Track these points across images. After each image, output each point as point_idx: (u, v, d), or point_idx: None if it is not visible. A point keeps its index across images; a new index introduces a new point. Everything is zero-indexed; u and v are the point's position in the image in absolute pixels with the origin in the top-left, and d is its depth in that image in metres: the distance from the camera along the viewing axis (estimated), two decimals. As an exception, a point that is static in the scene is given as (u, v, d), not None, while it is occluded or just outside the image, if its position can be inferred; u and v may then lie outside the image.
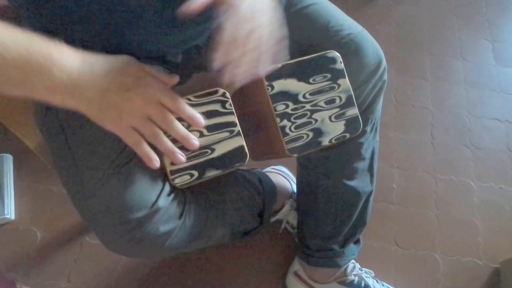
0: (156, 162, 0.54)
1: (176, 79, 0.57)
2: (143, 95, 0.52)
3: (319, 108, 0.63)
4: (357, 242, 0.98)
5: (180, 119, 0.56)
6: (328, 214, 0.90)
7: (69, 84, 0.48)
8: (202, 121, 0.57)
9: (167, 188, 0.62)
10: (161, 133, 0.54)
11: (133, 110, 0.51)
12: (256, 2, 0.54)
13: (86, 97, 0.50)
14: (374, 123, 0.80)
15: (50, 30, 0.63)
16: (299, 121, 0.62)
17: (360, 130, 0.66)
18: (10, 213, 1.09)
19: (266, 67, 0.57)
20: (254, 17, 0.53)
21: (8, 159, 1.16)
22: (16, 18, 0.65)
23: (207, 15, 0.65)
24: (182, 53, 0.71)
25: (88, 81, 0.49)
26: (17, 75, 0.47)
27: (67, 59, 0.48)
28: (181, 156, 0.56)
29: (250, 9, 0.53)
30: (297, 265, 1.01)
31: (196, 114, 0.56)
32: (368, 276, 0.99)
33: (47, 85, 0.48)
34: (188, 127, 0.58)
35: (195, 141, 0.56)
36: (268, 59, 0.56)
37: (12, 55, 0.45)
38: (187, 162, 0.59)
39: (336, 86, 0.64)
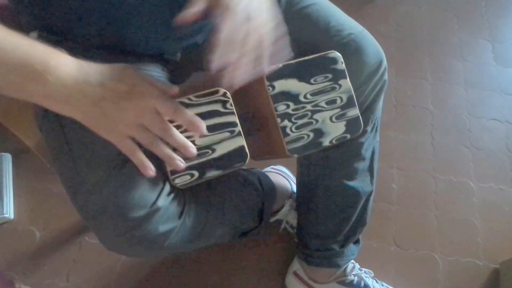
0: (151, 170, 0.54)
1: (175, 90, 0.56)
2: (137, 103, 0.50)
3: (320, 108, 0.63)
4: (356, 242, 0.98)
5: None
6: (328, 214, 0.90)
7: (64, 93, 0.48)
8: (203, 126, 0.55)
9: (167, 187, 0.62)
10: (158, 140, 0.53)
11: (127, 120, 0.51)
12: (252, 2, 0.53)
13: (80, 107, 0.50)
14: (374, 123, 0.80)
15: (49, 28, 0.63)
16: (300, 122, 0.62)
17: (361, 130, 0.66)
18: (9, 212, 1.08)
19: (265, 68, 0.56)
20: (250, 17, 0.52)
21: (7, 158, 1.16)
22: (15, 16, 0.65)
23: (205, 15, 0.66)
24: (181, 51, 0.71)
25: (82, 90, 0.49)
26: (16, 80, 0.47)
27: (63, 68, 0.48)
28: (180, 163, 0.55)
29: (246, 10, 0.52)
30: (296, 265, 1.01)
31: (196, 118, 0.54)
32: (367, 276, 0.99)
33: (42, 93, 0.48)
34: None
35: (193, 149, 0.55)
36: (267, 59, 0.55)
37: (12, 61, 0.46)
38: (187, 162, 0.59)
39: (337, 87, 0.64)
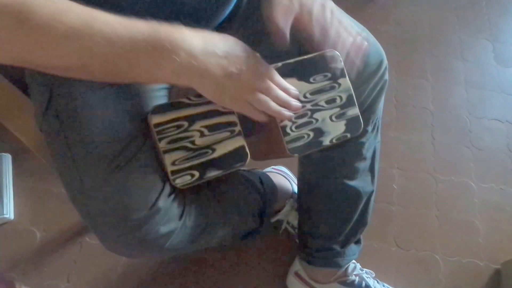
0: (288, 113, 0.59)
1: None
2: (254, 73, 0.55)
3: (319, 107, 0.63)
4: (357, 242, 0.98)
5: None
6: (329, 214, 0.90)
7: (196, 66, 0.50)
8: (296, 91, 0.61)
9: (167, 188, 0.62)
10: (269, 100, 0.57)
11: (249, 87, 0.55)
12: None
13: (212, 78, 0.52)
14: (375, 123, 0.79)
15: None
16: (300, 121, 0.62)
17: (361, 130, 0.65)
18: (9, 213, 1.08)
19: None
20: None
21: (7, 159, 1.16)
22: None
23: (207, 15, 0.66)
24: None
25: (212, 63, 0.51)
26: (148, 62, 0.48)
27: (190, 42, 0.50)
28: (288, 113, 0.59)
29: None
30: (297, 265, 1.00)
31: (291, 87, 0.61)
32: (368, 277, 0.99)
33: (175, 70, 0.49)
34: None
35: (296, 102, 0.60)
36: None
37: (140, 44, 0.47)
38: (187, 162, 0.59)
39: (337, 86, 0.64)
